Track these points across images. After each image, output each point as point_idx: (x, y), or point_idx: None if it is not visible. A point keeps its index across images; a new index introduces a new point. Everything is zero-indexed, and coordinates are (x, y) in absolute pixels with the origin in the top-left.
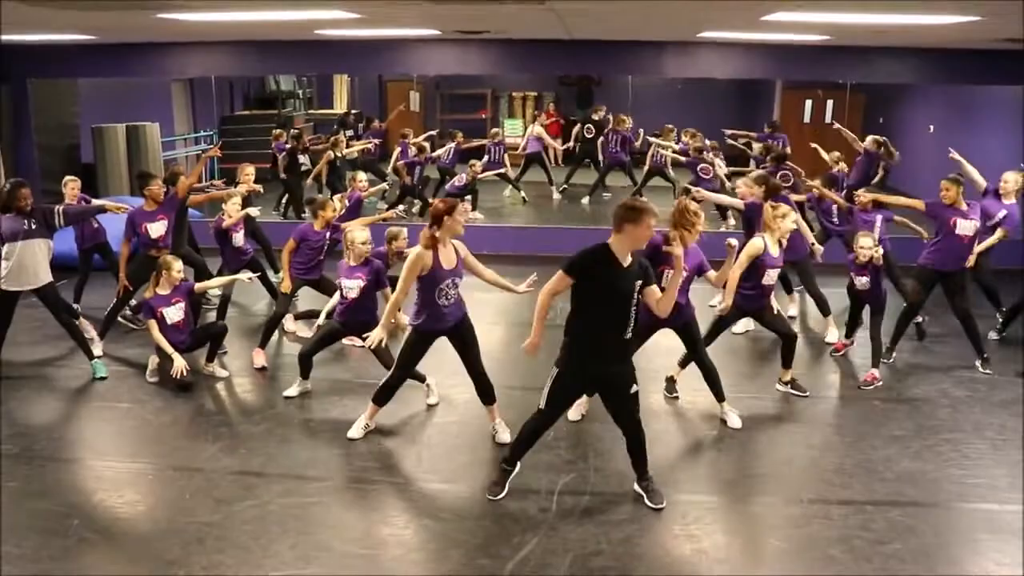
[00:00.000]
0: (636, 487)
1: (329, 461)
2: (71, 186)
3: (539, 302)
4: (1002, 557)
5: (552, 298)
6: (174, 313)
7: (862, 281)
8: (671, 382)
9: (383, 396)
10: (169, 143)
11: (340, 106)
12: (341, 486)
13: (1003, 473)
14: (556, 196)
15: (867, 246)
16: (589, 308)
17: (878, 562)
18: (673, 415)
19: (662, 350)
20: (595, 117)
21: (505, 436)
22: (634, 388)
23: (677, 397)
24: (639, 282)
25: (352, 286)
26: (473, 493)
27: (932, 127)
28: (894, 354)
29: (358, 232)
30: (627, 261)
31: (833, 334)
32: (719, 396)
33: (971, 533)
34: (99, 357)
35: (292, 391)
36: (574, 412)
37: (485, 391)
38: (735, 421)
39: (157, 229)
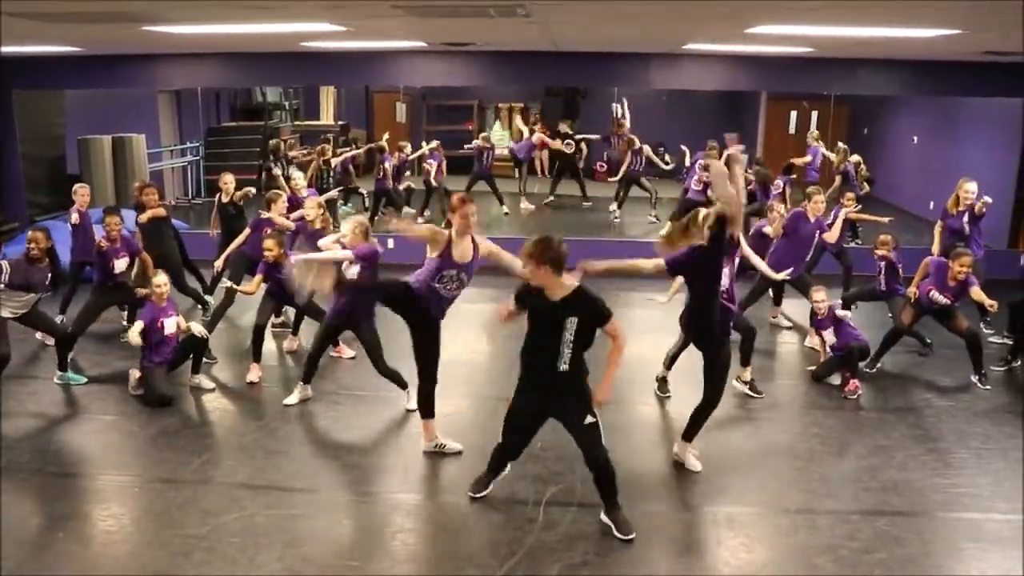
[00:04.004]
0: (603, 517)
1: (316, 473)
2: (82, 193)
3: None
4: (985, 565)
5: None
6: (171, 325)
7: (828, 337)
8: (662, 382)
9: (424, 408)
10: (155, 154)
11: (327, 117)
12: (328, 498)
13: (987, 482)
14: (527, 206)
15: (821, 300)
16: (528, 335)
17: (864, 571)
18: (659, 427)
19: (653, 360)
20: (567, 130)
21: (454, 446)
22: (588, 419)
23: (669, 396)
24: (573, 319)
25: (352, 270)
26: (460, 505)
27: (916, 138)
28: (877, 365)
29: (348, 222)
30: (555, 295)
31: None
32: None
33: (955, 542)
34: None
35: (292, 398)
36: None
37: (425, 409)
38: (694, 464)
39: (120, 266)
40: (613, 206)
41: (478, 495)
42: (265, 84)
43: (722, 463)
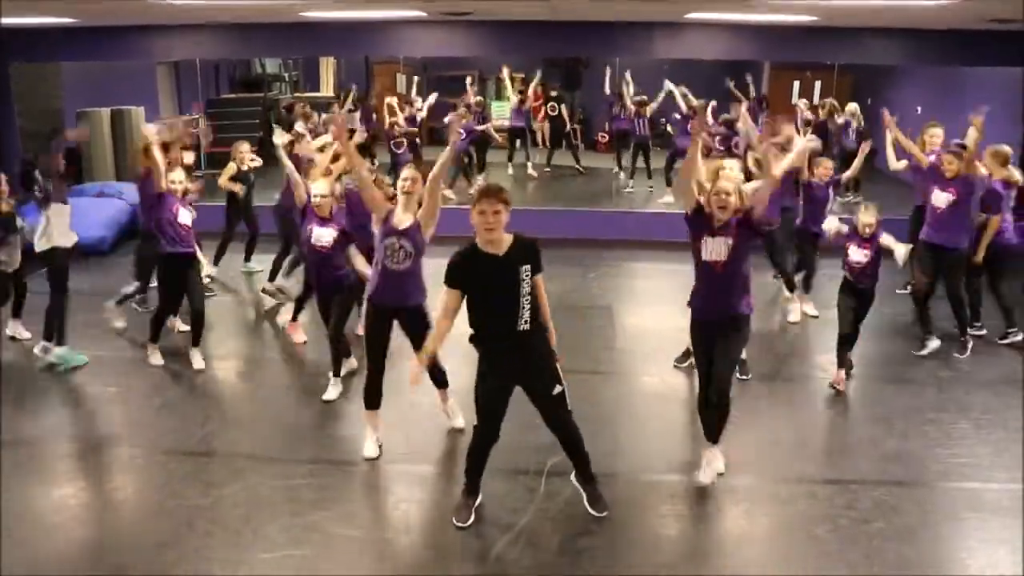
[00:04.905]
0: (574, 480)
1: (318, 443)
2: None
3: (436, 327)
4: (984, 535)
5: (451, 317)
6: (185, 216)
7: (861, 257)
8: (687, 355)
9: (368, 396)
10: None
11: (327, 89)
12: (331, 468)
13: (986, 452)
14: (532, 172)
15: (870, 222)
16: (476, 308)
17: (863, 540)
18: (659, 396)
19: (655, 332)
20: (552, 93)
21: (458, 421)
22: (558, 389)
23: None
24: (526, 268)
25: (324, 234)
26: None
27: (920, 108)
28: (934, 341)
29: (315, 185)
30: (500, 249)
31: (796, 311)
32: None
33: (955, 511)
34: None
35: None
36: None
37: (439, 374)
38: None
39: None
40: (622, 176)
41: (466, 524)
42: (264, 55)
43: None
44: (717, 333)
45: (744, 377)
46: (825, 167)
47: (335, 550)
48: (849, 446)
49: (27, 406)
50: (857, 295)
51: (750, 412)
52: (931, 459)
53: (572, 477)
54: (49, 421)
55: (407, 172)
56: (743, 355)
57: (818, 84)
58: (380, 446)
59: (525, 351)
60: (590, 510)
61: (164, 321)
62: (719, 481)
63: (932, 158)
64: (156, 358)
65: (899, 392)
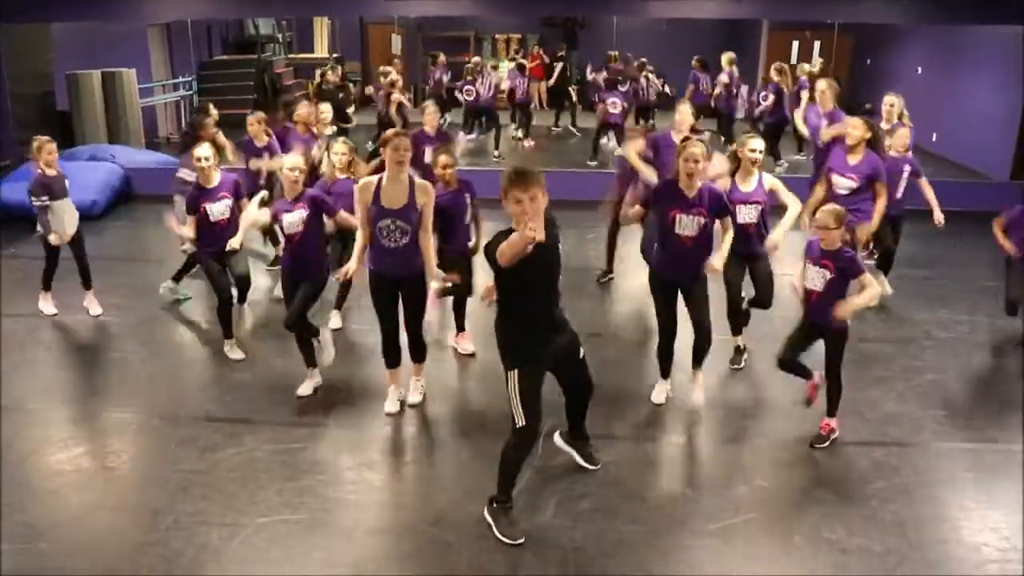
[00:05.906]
0: (562, 443)
1: (315, 408)
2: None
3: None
4: (982, 496)
5: None
6: (219, 210)
7: (818, 281)
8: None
9: (386, 356)
10: (146, 89)
11: (320, 50)
12: (327, 433)
13: (985, 414)
14: (524, 141)
15: (827, 224)
16: (513, 294)
17: (861, 501)
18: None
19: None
20: (560, 53)
21: (415, 397)
22: (582, 351)
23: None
24: (558, 247)
25: (294, 220)
26: (459, 438)
27: (920, 69)
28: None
29: (286, 158)
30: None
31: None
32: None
33: (953, 471)
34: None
35: (326, 356)
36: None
37: (415, 350)
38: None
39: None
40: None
41: (517, 542)
42: (257, 15)
43: (720, 397)
44: (680, 289)
45: (739, 337)
46: (901, 136)
47: (331, 514)
48: (848, 408)
49: (25, 371)
50: (822, 335)
51: (747, 373)
52: (930, 420)
53: (558, 439)
54: (48, 385)
55: (398, 141)
56: (744, 303)
57: (817, 44)
58: (401, 402)
59: (558, 330)
60: (585, 465)
61: (229, 313)
62: (719, 445)
63: (885, 127)
64: (235, 353)
65: (897, 353)
